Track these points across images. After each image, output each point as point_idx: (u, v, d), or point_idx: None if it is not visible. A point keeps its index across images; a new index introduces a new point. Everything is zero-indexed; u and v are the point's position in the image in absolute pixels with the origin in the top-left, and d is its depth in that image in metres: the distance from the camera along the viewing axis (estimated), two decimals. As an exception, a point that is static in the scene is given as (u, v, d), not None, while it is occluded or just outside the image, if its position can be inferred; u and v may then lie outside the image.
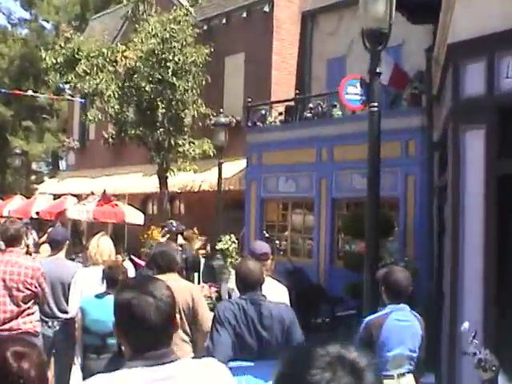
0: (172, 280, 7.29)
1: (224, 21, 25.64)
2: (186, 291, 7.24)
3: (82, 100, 28.43)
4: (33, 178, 51.15)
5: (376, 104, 8.46)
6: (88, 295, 7.86)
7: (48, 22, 51.04)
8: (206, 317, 7.15)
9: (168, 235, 15.51)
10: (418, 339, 6.60)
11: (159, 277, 7.17)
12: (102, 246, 8.62)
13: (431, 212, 14.67)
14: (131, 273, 19.19)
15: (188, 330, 7.19)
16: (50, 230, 11.14)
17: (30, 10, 52.95)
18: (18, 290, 7.73)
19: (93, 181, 29.98)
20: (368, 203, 9.04)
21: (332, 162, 19.11)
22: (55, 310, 8.65)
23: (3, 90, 28.60)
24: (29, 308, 7.85)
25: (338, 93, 9.17)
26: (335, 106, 19.52)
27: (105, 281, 7.74)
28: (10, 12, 54.98)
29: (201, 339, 7.19)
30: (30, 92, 29.17)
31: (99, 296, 7.69)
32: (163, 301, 3.15)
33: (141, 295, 3.14)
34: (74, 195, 27.05)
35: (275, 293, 6.94)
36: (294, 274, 16.53)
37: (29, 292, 7.80)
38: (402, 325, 6.48)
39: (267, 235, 17.72)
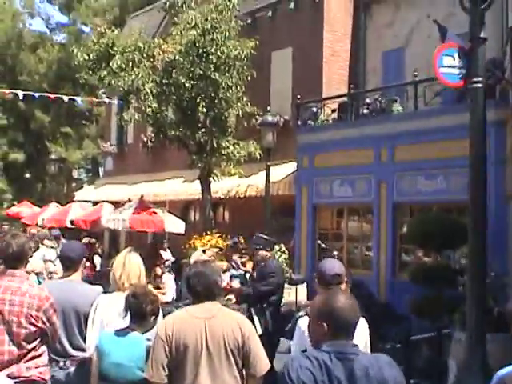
0: (214, 311, 5.48)
1: (270, 13, 23.79)
2: (234, 324, 5.44)
3: (119, 102, 26.84)
4: (73, 185, 49.98)
5: (480, 79, 6.53)
6: (107, 331, 6.07)
7: (86, 25, 49.95)
8: (260, 357, 5.44)
9: None
10: None
11: (196, 306, 5.40)
12: (130, 266, 6.77)
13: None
14: (171, 287, 17.21)
15: (238, 377, 5.42)
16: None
17: (68, 14, 52.08)
18: (20, 325, 5.89)
19: (131, 187, 28.60)
20: (472, 205, 7.14)
21: (393, 163, 17.55)
22: (68, 346, 6.76)
23: (37, 95, 27.06)
24: (34, 349, 5.99)
25: (433, 66, 7.24)
26: (395, 100, 17.76)
27: (128, 313, 5.95)
28: (49, 17, 53.84)
29: None
30: (65, 96, 27.43)
31: (120, 333, 5.90)
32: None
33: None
34: (111, 202, 25.61)
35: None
36: (355, 289, 14.61)
37: (34, 328, 5.94)
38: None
39: (324, 245, 15.86)
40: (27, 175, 50.06)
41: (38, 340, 6.03)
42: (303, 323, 6.01)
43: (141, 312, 5.86)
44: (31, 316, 5.92)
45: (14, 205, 39.32)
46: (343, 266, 6.28)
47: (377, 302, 15.29)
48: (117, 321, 6.18)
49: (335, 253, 15.54)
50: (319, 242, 17.07)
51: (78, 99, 29.05)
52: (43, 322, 6.00)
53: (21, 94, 26.39)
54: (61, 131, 48.73)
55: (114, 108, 32.26)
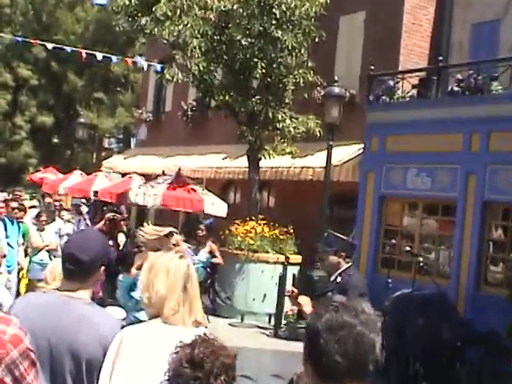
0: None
1: (341, -29, 20.69)
2: None
3: (159, 65, 23.98)
4: (102, 154, 47.65)
5: None
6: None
7: (130, -15, 47.36)
8: None
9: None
10: None
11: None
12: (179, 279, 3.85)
13: None
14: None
15: None
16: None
17: (111, -28, 49.66)
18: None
19: (165, 160, 25.95)
20: None
21: (486, 153, 14.59)
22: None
23: (69, 49, 24.34)
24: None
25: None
26: (496, 78, 14.70)
27: None
28: (91, -27, 51.34)
29: None
30: (98, 53, 24.48)
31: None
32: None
33: None
34: (142, 175, 23.02)
35: None
36: (434, 304, 11.68)
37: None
38: None
39: (408, 249, 12.84)
40: (55, 140, 47.87)
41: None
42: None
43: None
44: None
45: (38, 170, 37.01)
46: None
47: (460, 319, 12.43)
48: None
49: (420, 258, 12.55)
50: (394, 241, 14.10)
51: (114, 58, 26.11)
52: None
53: (50, 45, 23.73)
54: (94, 97, 46.49)
55: (151, 71, 29.42)
